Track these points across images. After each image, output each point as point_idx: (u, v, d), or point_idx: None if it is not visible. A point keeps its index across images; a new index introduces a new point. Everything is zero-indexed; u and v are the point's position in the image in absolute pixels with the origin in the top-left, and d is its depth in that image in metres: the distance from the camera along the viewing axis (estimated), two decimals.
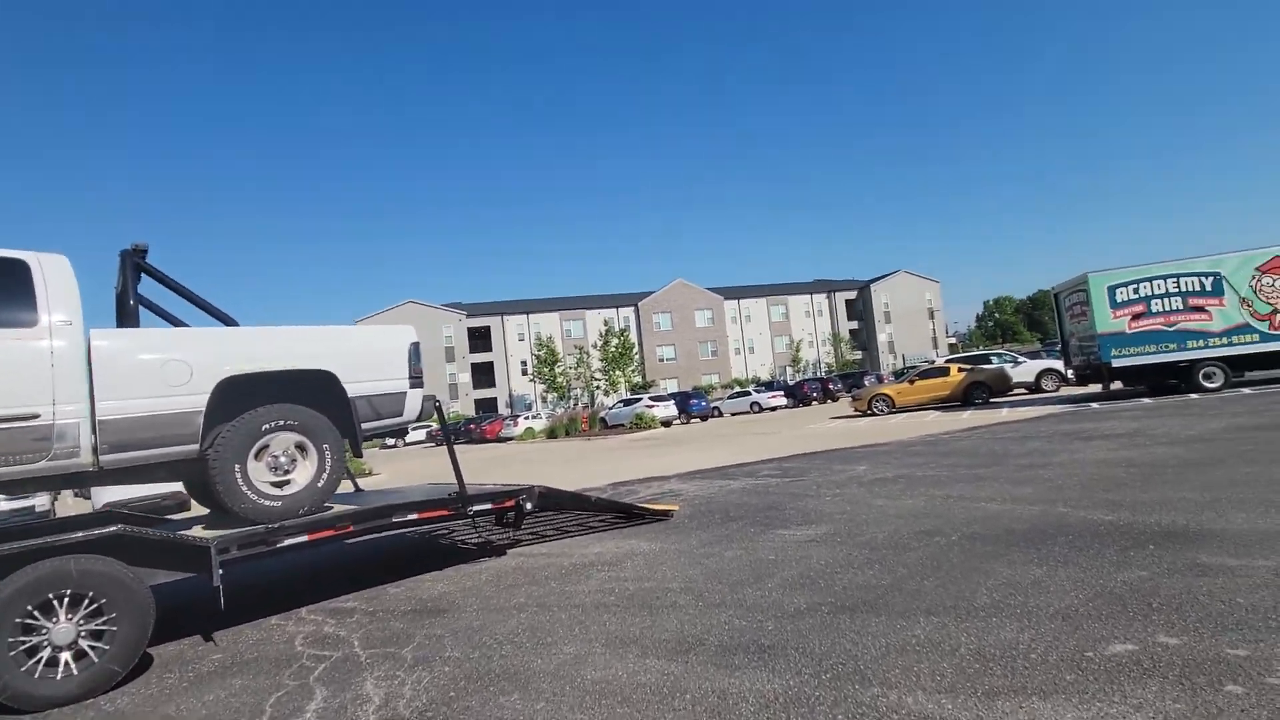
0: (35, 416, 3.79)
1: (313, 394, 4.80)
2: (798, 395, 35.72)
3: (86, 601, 3.52)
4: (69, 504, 17.40)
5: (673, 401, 32.00)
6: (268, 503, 4.49)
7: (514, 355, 64.97)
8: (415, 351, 5.44)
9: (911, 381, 20.62)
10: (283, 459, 4.64)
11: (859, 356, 70.58)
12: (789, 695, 2.58)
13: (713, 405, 36.35)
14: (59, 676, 3.37)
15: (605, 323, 58.98)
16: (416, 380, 5.39)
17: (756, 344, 71.26)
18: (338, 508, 4.92)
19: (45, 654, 3.38)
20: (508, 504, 5.60)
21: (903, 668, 2.71)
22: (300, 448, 4.72)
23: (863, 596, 3.68)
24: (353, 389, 4.95)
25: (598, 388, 56.43)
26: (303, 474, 4.71)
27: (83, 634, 3.49)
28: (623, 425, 29.93)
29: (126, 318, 4.88)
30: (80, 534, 3.61)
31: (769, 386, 41.24)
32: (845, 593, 3.78)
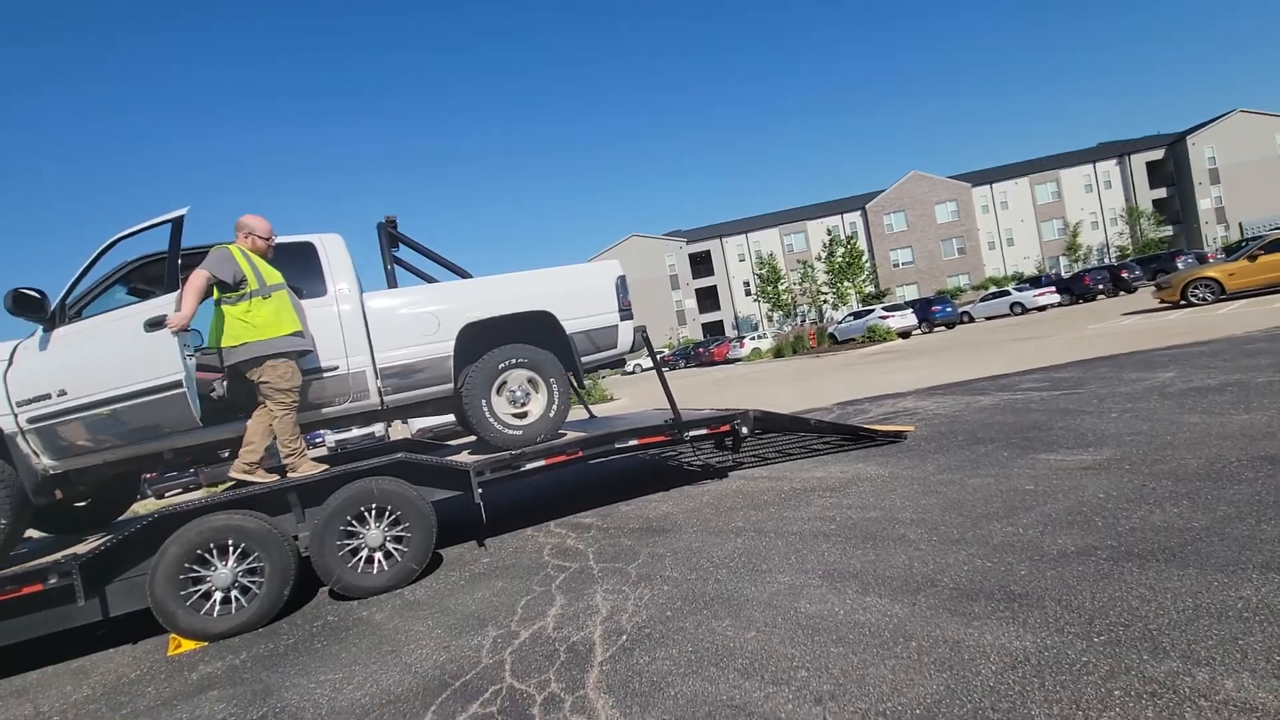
0: (336, 369, 4.71)
1: (538, 333, 5.22)
2: (1076, 290, 29.69)
3: (387, 513, 4.38)
4: (398, 429, 22.24)
5: (910, 310, 28.98)
6: (511, 432, 5.07)
7: (735, 277, 64.60)
8: (622, 284, 5.57)
9: (1252, 258, 15.17)
10: (518, 393, 5.17)
11: (1168, 233, 55.53)
12: (1044, 657, 2.14)
13: (961, 310, 32.16)
14: (375, 572, 4.29)
15: (829, 231, 55.15)
16: (626, 312, 5.53)
17: (1017, 234, 60.35)
18: (570, 434, 5.38)
19: (363, 554, 4.32)
20: (722, 429, 5.58)
21: (1220, 638, 2.06)
22: (532, 382, 5.20)
23: (1161, 541, 2.90)
24: (570, 325, 5.27)
25: (825, 302, 53.79)
26: (536, 406, 5.21)
27: (388, 539, 4.37)
28: (854, 340, 28.20)
29: (388, 279, 5.76)
30: (375, 460, 4.48)
31: (1035, 283, 34.80)
32: (1134, 535, 3.02)
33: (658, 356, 6.38)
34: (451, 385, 5.06)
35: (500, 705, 2.51)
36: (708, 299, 65.69)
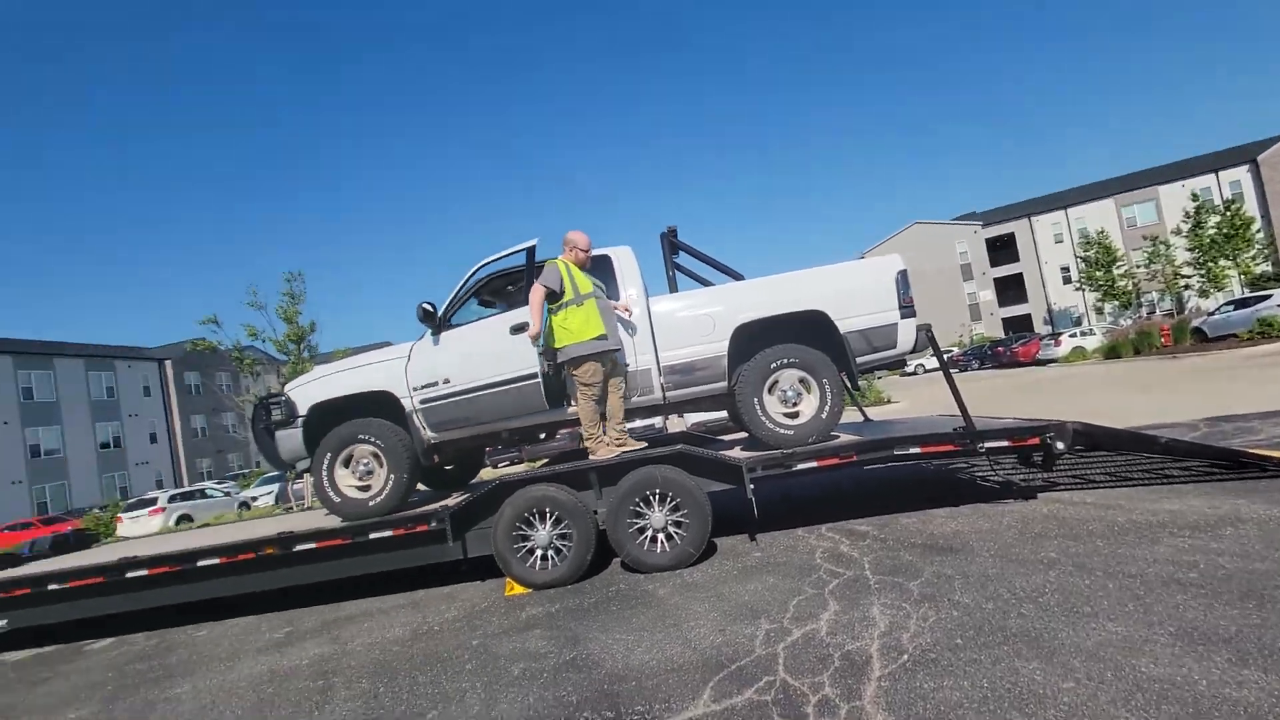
0: (627, 366, 5.31)
1: (810, 333, 5.15)
2: None
3: (669, 499, 4.78)
4: (675, 422, 23.86)
5: None
6: (782, 430, 5.10)
7: (1049, 261, 54.15)
8: (903, 280, 5.18)
9: None
10: (789, 392, 5.17)
11: None
12: None
13: None
14: (658, 551, 4.71)
15: (1194, 196, 42.70)
16: (907, 310, 5.13)
17: None
18: (845, 437, 5.19)
19: (648, 534, 4.78)
20: (1029, 442, 4.78)
21: None
22: (804, 383, 5.15)
23: None
24: (844, 325, 5.09)
25: (1186, 287, 41.93)
26: (808, 406, 5.14)
27: (669, 523, 4.77)
28: (1232, 336, 21.48)
29: (670, 285, 6.25)
30: (659, 450, 4.92)
31: None
32: None
33: (945, 356, 5.75)
34: (726, 383, 5.29)
35: (774, 696, 2.57)
36: (1010, 289, 56.35)
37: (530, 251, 5.28)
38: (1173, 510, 4.21)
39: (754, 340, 5.22)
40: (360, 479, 5.36)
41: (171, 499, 22.02)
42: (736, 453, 5.39)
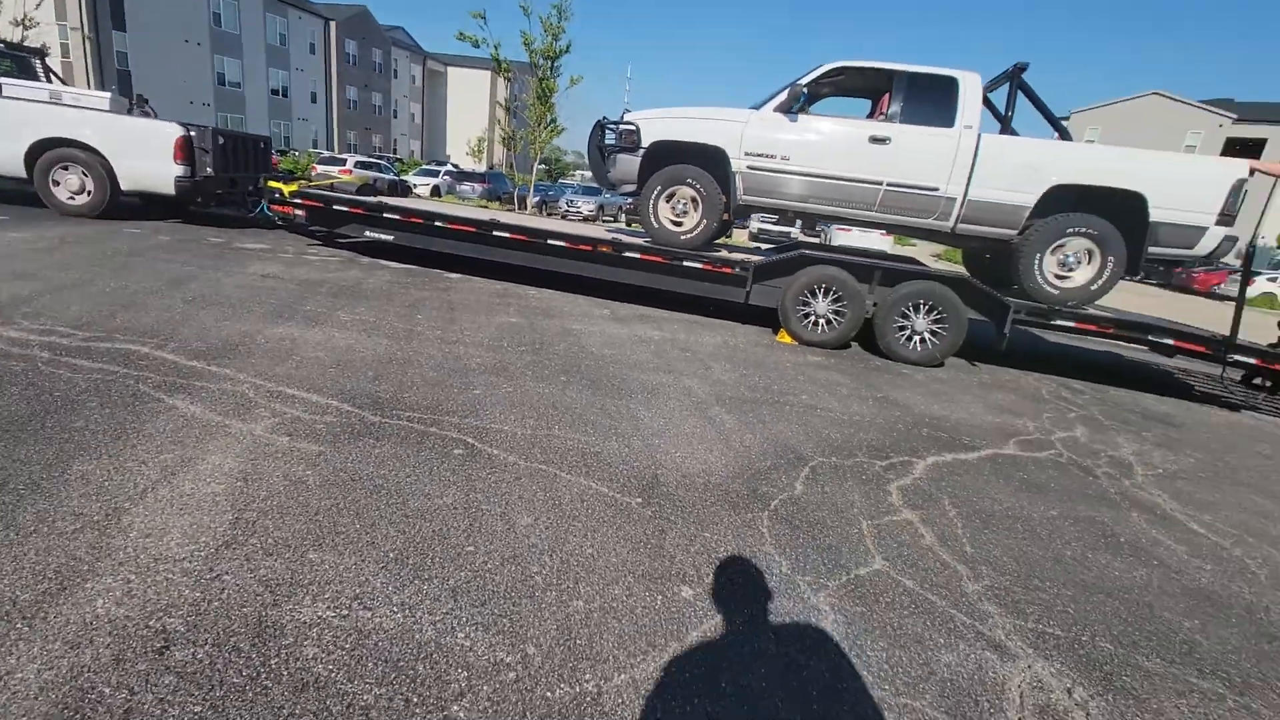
0: (936, 190, 5.93)
1: (1116, 210, 5.58)
2: None
3: (936, 310, 5.79)
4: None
5: None
6: (1049, 289, 5.83)
7: None
8: (1237, 190, 5.38)
9: None
10: (1071, 259, 5.78)
11: None
12: None
13: None
14: (914, 349, 5.86)
15: None
16: (1226, 218, 5.43)
17: None
18: (1098, 312, 5.90)
19: (907, 333, 5.89)
20: (1276, 366, 5.43)
21: None
22: (1089, 253, 5.73)
23: None
24: (1156, 214, 5.48)
25: None
26: (1082, 275, 5.79)
27: (928, 328, 5.84)
28: None
29: (1003, 124, 6.48)
30: (945, 271, 5.80)
31: None
32: None
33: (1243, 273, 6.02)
34: (1015, 233, 5.91)
35: (1065, 459, 3.81)
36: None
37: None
38: None
39: (1058, 201, 5.69)
40: (676, 215, 6.51)
41: (358, 164, 24.53)
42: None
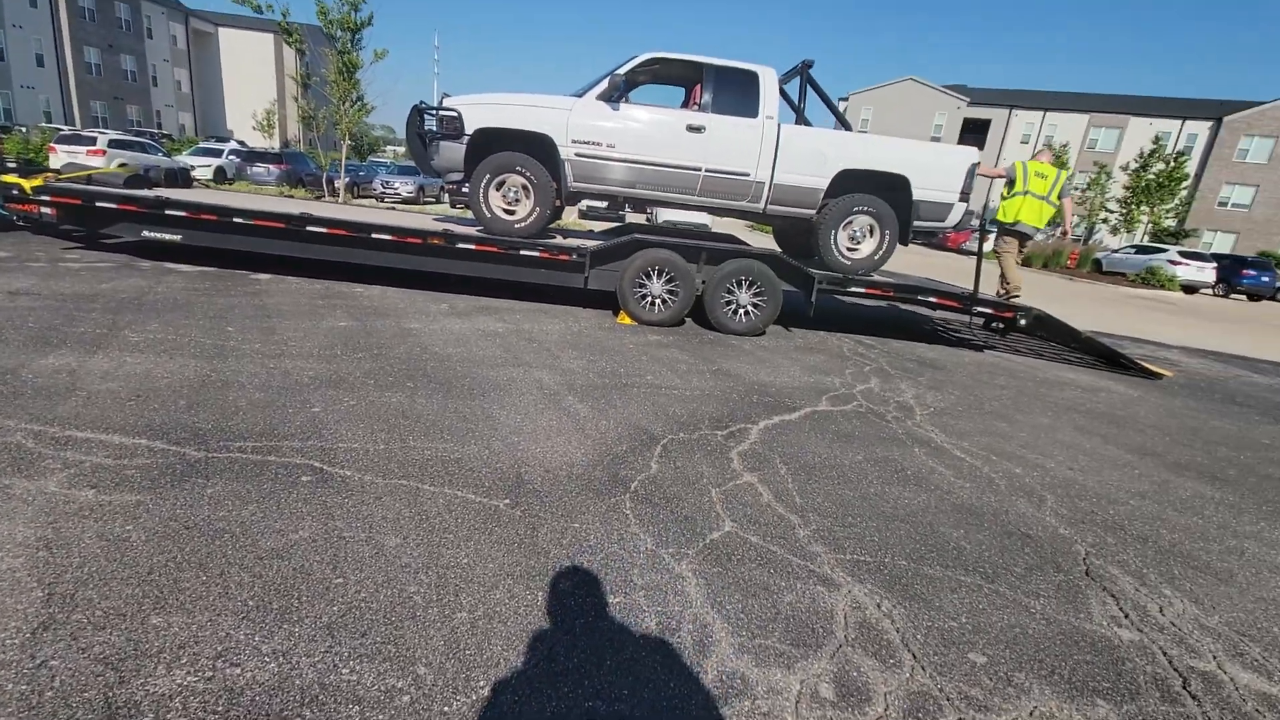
0: (748, 175, 6.52)
1: (889, 191, 6.57)
2: None
3: (755, 285, 6.42)
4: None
5: (1212, 265, 24.66)
6: (844, 260, 6.74)
7: (1008, 159, 56.15)
8: (972, 172, 6.61)
9: None
10: (859, 233, 6.72)
11: None
12: (1219, 501, 3.60)
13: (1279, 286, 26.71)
14: (740, 320, 6.46)
15: (1157, 138, 44.98)
16: (964, 195, 6.65)
17: None
18: (882, 278, 6.94)
19: (733, 307, 6.48)
20: (1006, 314, 6.82)
21: None
22: (870, 228, 6.71)
23: None
24: (918, 193, 6.55)
25: (1104, 221, 45.95)
26: (867, 247, 6.76)
27: (750, 302, 6.46)
28: (1121, 275, 25.21)
29: (797, 115, 7.20)
30: (759, 249, 6.42)
31: None
32: None
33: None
34: (814, 212, 6.71)
35: (865, 409, 4.52)
36: None
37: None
38: (1071, 378, 6.49)
39: (844, 183, 6.57)
40: (508, 204, 6.46)
41: (111, 144, 20.57)
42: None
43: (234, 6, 12.09)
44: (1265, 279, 25.31)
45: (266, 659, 1.70)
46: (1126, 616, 2.36)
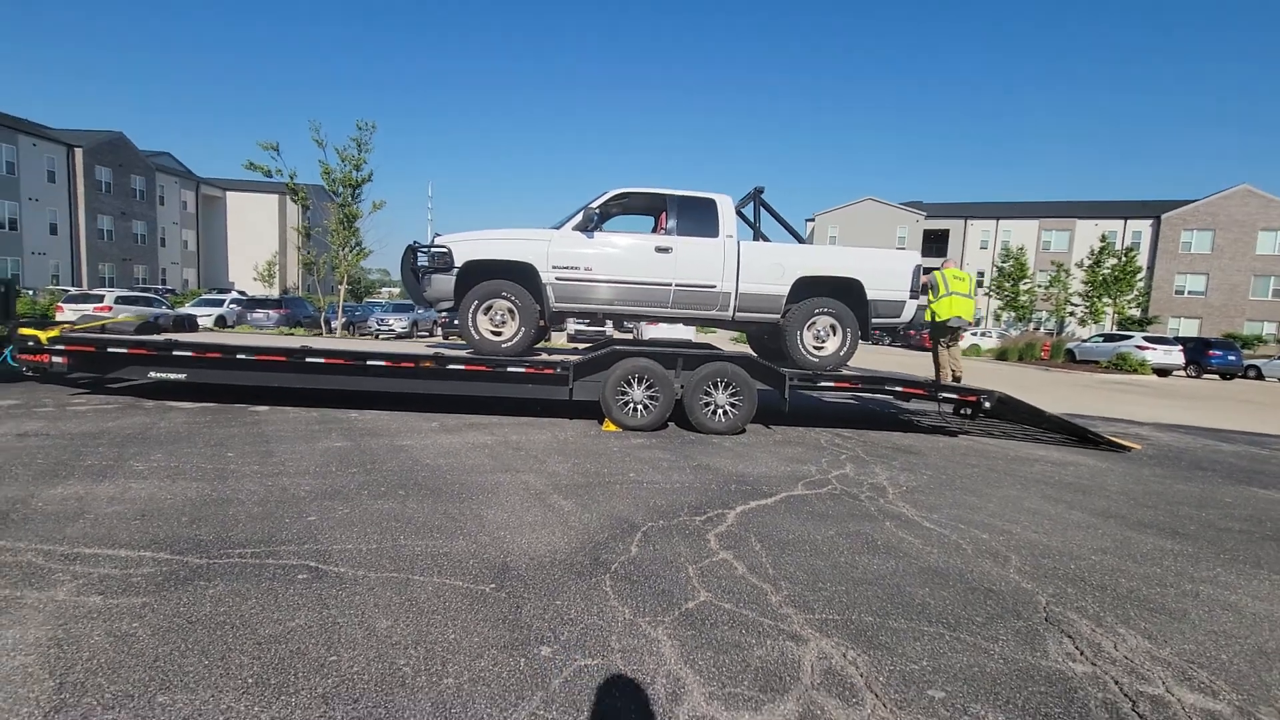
0: (714, 286, 7.12)
1: (845, 293, 7.17)
2: None
3: (731, 386, 6.80)
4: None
5: (1179, 348, 25.66)
6: (811, 358, 7.19)
7: (971, 264, 59.54)
8: (918, 271, 7.26)
9: None
10: (822, 332, 7.23)
11: None
12: (1180, 551, 3.76)
13: (1249, 363, 27.65)
14: (719, 420, 6.77)
15: (1104, 237, 48.30)
16: (915, 293, 7.26)
17: None
18: (850, 372, 7.37)
19: (711, 408, 6.81)
20: (970, 399, 7.18)
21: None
22: (832, 327, 7.23)
23: None
24: (872, 293, 7.15)
25: (1071, 314, 48.01)
26: (832, 344, 7.25)
27: (728, 402, 6.81)
28: (1095, 362, 26.05)
29: (755, 233, 7.99)
30: (733, 353, 6.88)
31: None
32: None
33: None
34: (779, 316, 7.26)
35: (839, 491, 4.72)
36: None
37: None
38: (1041, 455, 6.74)
39: (804, 289, 7.18)
40: (495, 325, 6.96)
41: (119, 300, 21.65)
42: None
43: (243, 172, 13.42)
44: (1232, 358, 26.29)
45: None
46: (1082, 653, 2.48)
